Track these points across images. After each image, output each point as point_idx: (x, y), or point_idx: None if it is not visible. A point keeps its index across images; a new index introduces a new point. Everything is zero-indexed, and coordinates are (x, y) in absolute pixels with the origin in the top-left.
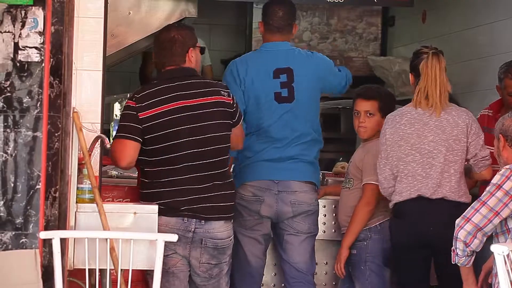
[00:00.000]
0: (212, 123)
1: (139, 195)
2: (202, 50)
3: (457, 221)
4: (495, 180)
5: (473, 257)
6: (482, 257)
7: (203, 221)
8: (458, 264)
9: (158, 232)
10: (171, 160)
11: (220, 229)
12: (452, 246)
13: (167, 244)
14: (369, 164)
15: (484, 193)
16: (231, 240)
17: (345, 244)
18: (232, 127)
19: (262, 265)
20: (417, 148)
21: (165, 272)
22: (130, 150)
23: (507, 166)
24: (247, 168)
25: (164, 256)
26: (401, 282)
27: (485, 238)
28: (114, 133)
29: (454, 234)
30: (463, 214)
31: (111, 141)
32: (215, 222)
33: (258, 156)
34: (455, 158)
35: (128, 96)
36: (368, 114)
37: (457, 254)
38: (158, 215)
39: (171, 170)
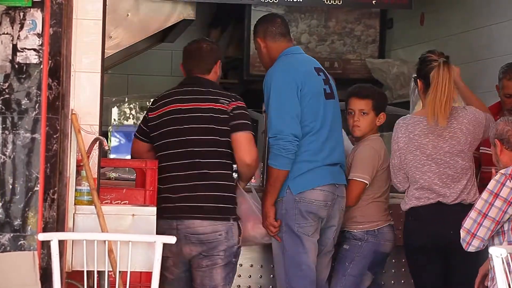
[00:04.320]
0: (200, 126)
1: None
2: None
3: (462, 236)
4: (491, 186)
5: None
6: (480, 259)
7: (184, 220)
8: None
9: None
10: (164, 157)
11: (203, 224)
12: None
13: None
14: (359, 160)
15: (483, 203)
16: (220, 235)
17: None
18: (230, 132)
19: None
20: (433, 159)
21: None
22: (136, 147)
23: (502, 171)
24: (313, 173)
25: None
26: (418, 284)
27: None
28: (112, 138)
29: (464, 248)
30: (467, 228)
31: (109, 143)
32: (195, 221)
33: (322, 159)
34: (470, 164)
35: None
36: (362, 113)
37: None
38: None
39: (165, 167)
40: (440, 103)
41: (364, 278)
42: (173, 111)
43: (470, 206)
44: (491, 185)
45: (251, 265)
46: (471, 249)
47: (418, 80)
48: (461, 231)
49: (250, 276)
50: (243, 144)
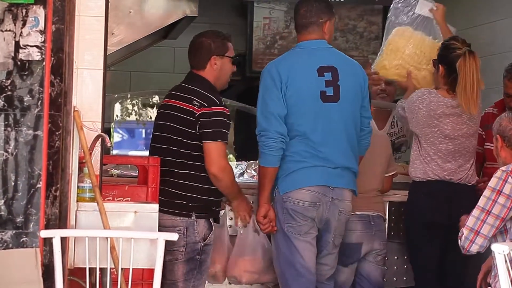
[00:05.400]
0: (172, 125)
1: None
2: (234, 61)
3: (465, 234)
4: (493, 183)
5: None
6: (482, 256)
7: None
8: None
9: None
10: (152, 149)
11: (163, 218)
12: None
13: None
14: None
15: (485, 200)
16: (179, 230)
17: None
18: (198, 139)
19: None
20: (451, 139)
21: None
22: None
23: (503, 168)
24: (301, 173)
25: None
26: (419, 259)
27: None
28: (115, 133)
29: (466, 248)
30: (470, 226)
31: (112, 140)
32: (161, 214)
33: (314, 161)
34: (476, 142)
35: None
36: None
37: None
38: None
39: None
40: (470, 93)
41: (334, 273)
42: (163, 105)
43: (473, 187)
44: (492, 182)
45: None
46: (474, 248)
47: (440, 65)
48: (463, 230)
49: None
50: (208, 154)
